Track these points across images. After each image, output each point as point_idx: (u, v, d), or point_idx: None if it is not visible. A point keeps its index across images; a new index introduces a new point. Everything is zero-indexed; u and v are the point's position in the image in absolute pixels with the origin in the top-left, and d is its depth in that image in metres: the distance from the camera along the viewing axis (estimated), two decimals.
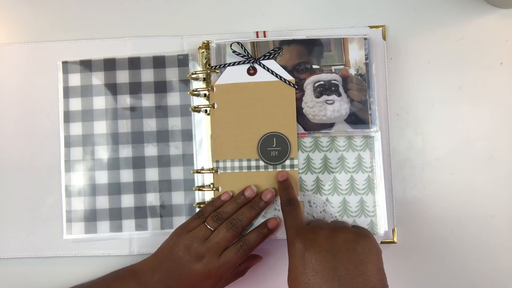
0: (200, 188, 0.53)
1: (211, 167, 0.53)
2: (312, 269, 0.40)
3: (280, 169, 0.51)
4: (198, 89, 0.53)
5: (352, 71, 0.52)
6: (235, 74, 0.52)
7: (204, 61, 0.54)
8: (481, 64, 0.55)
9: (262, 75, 0.52)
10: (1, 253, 0.55)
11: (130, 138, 0.55)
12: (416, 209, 0.54)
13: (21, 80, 0.56)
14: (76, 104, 0.55)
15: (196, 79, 0.54)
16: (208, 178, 0.54)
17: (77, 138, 0.55)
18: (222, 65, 0.52)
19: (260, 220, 0.50)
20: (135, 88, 0.55)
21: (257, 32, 0.55)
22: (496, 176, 0.54)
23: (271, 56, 0.52)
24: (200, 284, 0.46)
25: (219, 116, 0.52)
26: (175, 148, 0.55)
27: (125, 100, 0.55)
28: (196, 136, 0.54)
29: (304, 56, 0.52)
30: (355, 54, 0.52)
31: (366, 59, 0.52)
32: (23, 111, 0.56)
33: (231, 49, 0.52)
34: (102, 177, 0.54)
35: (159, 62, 0.55)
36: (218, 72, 0.53)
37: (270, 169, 0.51)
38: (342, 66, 0.52)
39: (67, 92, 0.55)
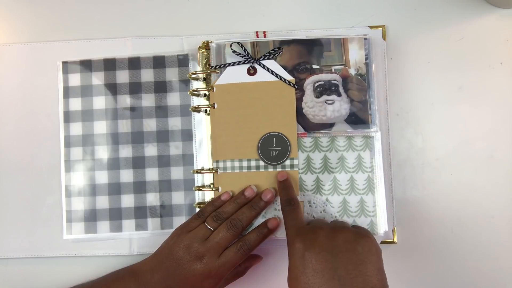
0: (200, 188, 0.53)
1: (211, 167, 0.53)
2: (312, 269, 0.40)
3: (280, 169, 0.51)
4: (198, 89, 0.53)
5: (352, 71, 0.52)
6: (235, 74, 0.52)
7: (204, 61, 0.54)
8: (481, 64, 0.55)
9: (262, 75, 0.52)
10: (1, 253, 0.55)
11: (130, 138, 0.55)
12: (416, 209, 0.54)
13: (21, 80, 0.56)
14: (76, 104, 0.55)
15: (196, 79, 0.54)
16: (208, 178, 0.54)
17: (77, 138, 0.55)
18: (222, 65, 0.52)
19: (260, 220, 0.50)
20: (135, 88, 0.55)
21: (257, 32, 0.55)
22: (496, 176, 0.54)
23: (271, 56, 0.52)
24: (200, 284, 0.46)
25: (219, 116, 0.52)
26: (175, 148, 0.55)
27: (125, 100, 0.55)
28: (196, 136, 0.54)
29: (304, 56, 0.52)
30: (355, 54, 0.52)
31: (366, 59, 0.52)
32: (23, 111, 0.56)
33: (231, 49, 0.52)
34: (102, 177, 0.54)
35: (159, 62, 0.55)
36: (218, 72, 0.53)
37: (270, 169, 0.51)
38: (342, 66, 0.52)
39: (67, 92, 0.55)
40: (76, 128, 0.55)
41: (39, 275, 0.55)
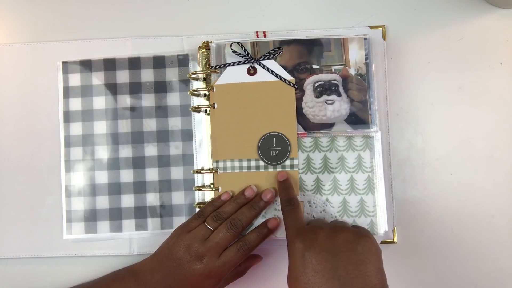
0: (200, 188, 0.53)
1: (211, 167, 0.53)
2: (312, 269, 0.40)
3: (280, 169, 0.51)
4: (198, 89, 0.53)
5: (352, 71, 0.52)
6: (235, 74, 0.52)
7: (204, 61, 0.54)
8: (481, 64, 0.55)
9: (262, 75, 0.52)
10: (1, 253, 0.55)
11: (130, 138, 0.55)
12: (416, 209, 0.54)
13: (21, 80, 0.56)
14: (76, 104, 0.55)
15: (196, 79, 0.54)
16: (208, 178, 0.54)
17: (77, 138, 0.55)
18: (222, 65, 0.52)
19: (260, 220, 0.50)
20: (135, 88, 0.55)
21: (257, 32, 0.55)
22: (496, 176, 0.54)
23: (271, 56, 0.52)
24: (200, 284, 0.46)
25: (219, 116, 0.52)
26: (175, 148, 0.55)
27: (125, 100, 0.55)
28: (196, 136, 0.54)
29: (304, 56, 0.52)
30: (355, 54, 0.52)
31: (366, 59, 0.52)
32: (23, 111, 0.56)
33: (231, 49, 0.52)
34: (102, 177, 0.54)
35: (159, 62, 0.55)
36: (218, 72, 0.53)
37: (270, 169, 0.51)
38: (342, 66, 0.52)
39: (67, 92, 0.55)
40: (76, 128, 0.55)
41: (39, 275, 0.55)
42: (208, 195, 0.53)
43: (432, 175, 0.54)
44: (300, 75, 0.52)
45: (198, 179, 0.54)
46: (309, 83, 0.52)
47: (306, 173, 0.51)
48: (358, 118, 0.51)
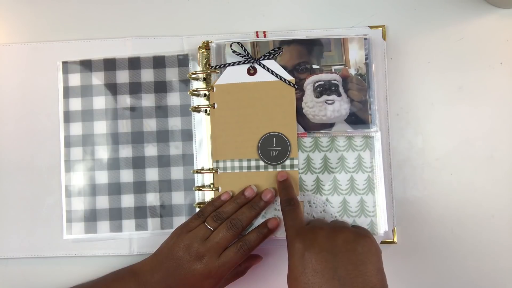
0: (200, 188, 0.53)
1: (211, 167, 0.53)
2: (312, 269, 0.40)
3: (280, 169, 0.51)
4: (198, 89, 0.53)
5: (352, 71, 0.52)
6: (235, 74, 0.52)
7: (204, 61, 0.54)
8: (481, 64, 0.55)
9: (262, 75, 0.52)
10: (1, 253, 0.55)
11: (130, 138, 0.55)
12: (416, 209, 0.54)
13: (21, 80, 0.56)
14: (76, 104, 0.55)
15: (196, 79, 0.54)
16: (208, 178, 0.54)
17: (77, 138, 0.55)
18: (222, 65, 0.52)
19: (260, 220, 0.50)
20: (135, 88, 0.55)
21: (257, 32, 0.55)
22: (496, 176, 0.54)
23: (271, 56, 0.52)
24: (200, 284, 0.46)
25: (219, 116, 0.52)
26: (175, 148, 0.55)
27: (125, 100, 0.55)
28: (196, 136, 0.54)
29: (304, 56, 0.52)
30: (355, 54, 0.52)
31: (366, 59, 0.52)
32: (23, 111, 0.56)
33: (231, 49, 0.52)
34: (102, 177, 0.54)
35: (159, 62, 0.55)
36: (218, 72, 0.53)
37: (270, 169, 0.51)
38: (342, 66, 0.52)
39: (67, 92, 0.55)
40: (76, 128, 0.55)
41: (39, 275, 0.55)
42: (208, 195, 0.53)
43: (432, 175, 0.54)
44: (300, 75, 0.52)
45: (198, 179, 0.54)
46: (309, 83, 0.52)
47: (306, 173, 0.51)
48: (358, 118, 0.51)
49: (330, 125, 0.51)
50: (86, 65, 0.55)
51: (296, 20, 0.56)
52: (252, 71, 0.52)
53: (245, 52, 0.52)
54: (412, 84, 0.55)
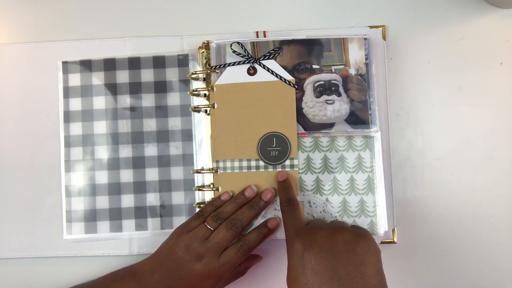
0: (200, 188, 0.53)
1: (211, 167, 0.53)
2: (311, 269, 0.40)
3: (280, 169, 0.51)
4: (198, 89, 0.53)
5: (352, 71, 0.52)
6: (235, 74, 0.52)
7: (204, 61, 0.54)
8: (481, 64, 0.55)
9: (262, 75, 0.52)
10: (1, 253, 0.55)
11: (130, 138, 0.55)
12: (416, 209, 0.54)
13: (21, 80, 0.56)
14: (76, 104, 0.55)
15: (196, 79, 0.54)
16: (208, 178, 0.54)
17: (77, 138, 0.55)
18: (222, 65, 0.52)
19: (260, 220, 0.50)
20: (135, 88, 0.55)
21: (257, 32, 0.55)
22: (496, 176, 0.54)
23: (271, 56, 0.52)
24: (200, 284, 0.46)
25: (219, 116, 0.52)
26: (175, 148, 0.55)
27: (125, 100, 0.55)
28: (196, 136, 0.54)
29: (304, 56, 0.52)
30: (355, 54, 0.52)
31: (366, 59, 0.52)
32: (23, 111, 0.56)
33: (231, 49, 0.52)
34: (102, 177, 0.54)
35: (159, 62, 0.55)
36: (218, 72, 0.53)
37: (270, 169, 0.51)
38: (342, 66, 0.52)
39: (67, 92, 0.55)
40: (76, 128, 0.55)
41: (39, 275, 0.55)
42: (208, 195, 0.53)
43: (432, 175, 0.54)
44: (300, 75, 0.52)
45: (198, 179, 0.54)
46: (309, 83, 0.52)
47: (306, 173, 0.51)
48: (358, 118, 0.51)
49: (330, 125, 0.51)
50: (86, 65, 0.55)
51: (296, 20, 0.56)
52: (252, 71, 0.52)
53: (245, 52, 0.52)
54: (412, 84, 0.55)
